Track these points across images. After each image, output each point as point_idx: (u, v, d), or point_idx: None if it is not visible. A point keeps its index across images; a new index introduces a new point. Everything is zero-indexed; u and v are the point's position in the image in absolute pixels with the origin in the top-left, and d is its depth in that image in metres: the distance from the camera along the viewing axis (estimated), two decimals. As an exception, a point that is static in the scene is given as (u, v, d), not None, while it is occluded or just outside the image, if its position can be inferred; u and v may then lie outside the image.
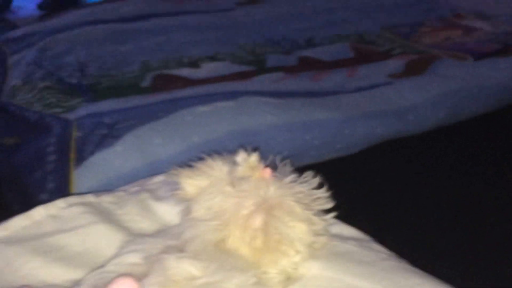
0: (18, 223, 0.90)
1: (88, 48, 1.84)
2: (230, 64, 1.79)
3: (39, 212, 0.92)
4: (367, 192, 1.51)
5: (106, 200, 1.03)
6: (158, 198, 1.02)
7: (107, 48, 1.85)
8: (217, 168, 0.86)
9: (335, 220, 1.04)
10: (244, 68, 1.76)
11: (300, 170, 0.95)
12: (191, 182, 0.86)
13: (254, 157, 0.89)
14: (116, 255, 0.85)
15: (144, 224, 0.99)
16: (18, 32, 2.04)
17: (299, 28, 2.15)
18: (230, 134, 1.36)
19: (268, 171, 0.88)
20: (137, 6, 2.26)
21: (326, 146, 1.48)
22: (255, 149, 0.90)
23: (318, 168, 1.43)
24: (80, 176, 1.15)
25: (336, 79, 1.72)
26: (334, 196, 0.84)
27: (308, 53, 1.94)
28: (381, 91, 1.66)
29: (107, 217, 0.97)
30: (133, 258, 0.83)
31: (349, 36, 2.10)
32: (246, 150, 0.91)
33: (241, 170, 0.86)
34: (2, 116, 1.49)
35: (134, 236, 0.91)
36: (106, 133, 1.22)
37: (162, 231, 0.91)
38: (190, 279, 0.73)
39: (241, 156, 0.88)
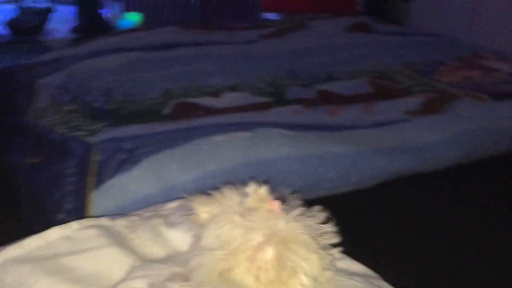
0: (33, 243, 0.93)
1: (114, 74, 1.90)
2: (249, 95, 1.83)
3: (54, 233, 0.95)
4: (379, 226, 1.51)
5: (119, 223, 1.06)
6: (170, 224, 1.05)
7: (132, 75, 1.91)
8: (229, 197, 0.89)
9: (343, 255, 1.04)
10: (263, 99, 1.79)
11: (312, 203, 0.96)
12: (205, 209, 0.89)
13: (263, 189, 0.91)
14: (122, 280, 0.87)
15: (154, 249, 1.02)
16: (48, 56, 2.13)
17: (319, 62, 2.19)
18: (245, 164, 1.39)
19: (276, 204, 0.90)
20: (163, 35, 2.34)
21: (340, 179, 1.49)
22: (266, 181, 0.92)
23: (331, 200, 1.46)
24: (97, 199, 1.19)
25: (353, 113, 1.75)
26: (345, 229, 0.86)
27: (327, 86, 1.97)
28: (398, 127, 1.68)
29: (119, 240, 1.00)
30: (138, 284, 0.85)
31: (368, 72, 2.12)
32: (257, 181, 0.93)
33: (250, 201, 0.88)
34: (27, 137, 1.54)
35: (143, 262, 0.93)
36: (125, 158, 1.26)
37: (171, 258, 0.93)
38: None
39: (251, 188, 0.90)
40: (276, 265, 0.78)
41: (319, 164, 1.48)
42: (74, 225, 0.98)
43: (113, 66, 1.97)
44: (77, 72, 1.90)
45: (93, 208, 1.17)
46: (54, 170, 1.27)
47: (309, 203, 0.87)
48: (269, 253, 0.79)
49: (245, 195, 0.91)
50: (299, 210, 0.87)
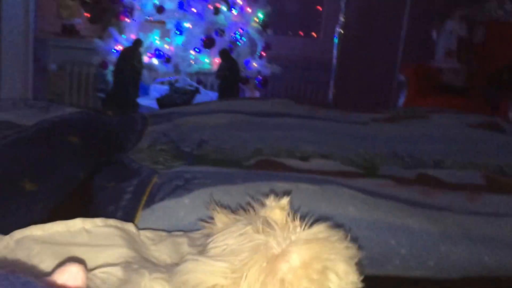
0: (55, 227, 0.95)
1: (214, 129, 1.98)
2: (339, 163, 1.75)
3: (76, 223, 0.97)
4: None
5: (145, 234, 1.04)
6: (194, 245, 1.00)
7: (230, 132, 1.96)
8: (250, 211, 0.83)
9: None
10: (352, 169, 1.70)
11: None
12: (223, 219, 0.85)
13: (284, 201, 0.85)
14: (109, 265, 0.83)
15: (168, 262, 0.97)
16: (165, 110, 2.31)
17: (429, 150, 2.03)
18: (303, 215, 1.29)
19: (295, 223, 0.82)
20: (274, 105, 2.40)
21: (415, 259, 1.30)
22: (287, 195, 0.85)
23: (403, 283, 1.29)
24: (144, 217, 1.19)
25: (451, 199, 1.55)
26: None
27: (431, 172, 1.80)
28: (503, 220, 1.44)
29: (136, 247, 0.98)
30: (114, 269, 0.81)
31: (484, 165, 1.90)
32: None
33: (268, 211, 0.82)
34: (116, 167, 1.65)
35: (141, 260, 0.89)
36: (181, 185, 1.26)
37: (169, 265, 0.87)
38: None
39: (271, 199, 0.84)
40: (306, 272, 0.70)
41: (390, 235, 1.32)
42: (98, 221, 0.99)
43: (215, 123, 2.05)
44: (182, 124, 2.01)
45: (138, 225, 1.17)
46: (118, 188, 1.31)
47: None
48: (294, 259, 0.71)
49: (266, 207, 0.86)
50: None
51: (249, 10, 4.44)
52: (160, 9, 4.07)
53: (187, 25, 4.16)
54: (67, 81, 3.81)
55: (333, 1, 5.24)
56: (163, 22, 4.21)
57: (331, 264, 0.74)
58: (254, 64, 4.50)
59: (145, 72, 4.02)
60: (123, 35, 4.12)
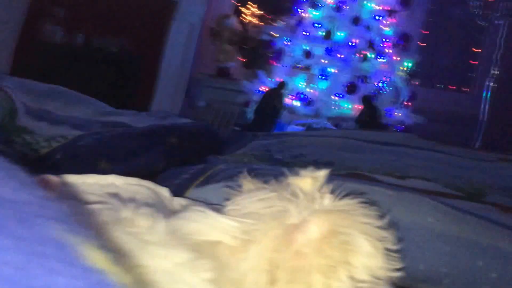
0: (86, 178, 0.98)
1: (318, 148, 1.95)
2: (440, 186, 1.58)
3: (108, 178, 0.99)
4: None
5: (179, 201, 1.03)
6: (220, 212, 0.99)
7: (332, 151, 1.92)
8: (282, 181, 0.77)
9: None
10: (453, 192, 1.52)
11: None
12: (249, 185, 0.81)
13: (322, 172, 0.78)
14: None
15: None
16: (281, 132, 2.35)
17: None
18: None
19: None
20: (394, 136, 2.29)
21: (509, 286, 1.10)
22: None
23: None
24: (193, 195, 1.21)
25: None
26: None
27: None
28: None
29: (161, 207, 0.97)
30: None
31: None
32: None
33: (298, 180, 0.76)
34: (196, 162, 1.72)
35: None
36: (239, 172, 1.26)
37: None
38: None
39: (307, 170, 0.78)
40: (323, 246, 0.64)
41: (478, 256, 1.14)
42: (131, 180, 1.00)
43: (323, 144, 2.03)
44: (287, 141, 2.03)
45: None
46: (181, 170, 1.37)
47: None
48: (312, 231, 0.65)
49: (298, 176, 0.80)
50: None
51: (396, 58, 4.37)
52: (308, 54, 4.22)
53: (332, 70, 4.23)
54: (211, 116, 4.12)
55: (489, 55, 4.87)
56: (309, 68, 4.35)
57: (352, 240, 0.66)
58: (397, 113, 4.36)
59: (285, 113, 4.15)
60: (270, 78, 4.35)
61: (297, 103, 4.26)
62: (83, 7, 4.15)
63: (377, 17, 4.35)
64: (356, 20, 4.24)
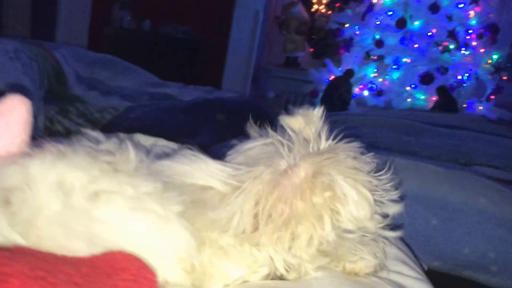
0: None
1: (374, 130, 1.84)
2: (506, 173, 1.41)
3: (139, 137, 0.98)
4: None
5: None
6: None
7: (391, 134, 1.80)
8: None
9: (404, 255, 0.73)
10: (518, 178, 1.35)
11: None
12: (254, 133, 0.76)
13: (317, 111, 0.73)
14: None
15: None
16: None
17: None
18: (423, 196, 1.08)
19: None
20: (457, 118, 2.12)
21: None
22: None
23: None
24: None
25: None
26: None
27: None
28: None
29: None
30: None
31: None
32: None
33: (292, 120, 0.71)
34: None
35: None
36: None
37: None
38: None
39: (303, 109, 0.72)
40: (304, 192, 0.61)
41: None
42: (161, 141, 0.99)
43: (380, 125, 1.91)
44: (339, 121, 1.93)
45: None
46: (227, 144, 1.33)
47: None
48: (299, 174, 0.63)
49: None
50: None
51: (482, 50, 4.05)
52: (379, 43, 4.04)
53: (405, 60, 4.02)
54: (280, 107, 4.04)
55: None
56: (381, 57, 4.16)
57: (336, 184, 0.62)
58: (479, 106, 4.06)
59: (353, 103, 4.01)
60: (339, 68, 4.21)
61: (366, 93, 4.10)
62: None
63: (459, 5, 4.06)
64: (434, 8, 3.98)
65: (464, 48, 4.06)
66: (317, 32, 4.52)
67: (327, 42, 4.47)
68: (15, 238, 0.55)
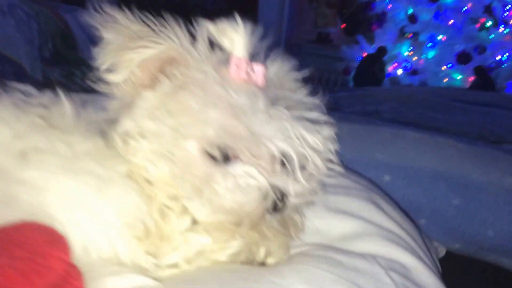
0: None
1: (399, 105, 1.76)
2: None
3: None
4: None
5: None
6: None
7: (417, 110, 1.71)
8: None
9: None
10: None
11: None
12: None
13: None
14: None
15: None
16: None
17: None
18: (443, 173, 1.02)
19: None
20: (490, 96, 2.01)
21: None
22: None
23: None
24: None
25: None
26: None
27: None
28: None
29: None
30: None
31: None
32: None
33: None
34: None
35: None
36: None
37: None
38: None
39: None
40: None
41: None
42: None
43: (406, 101, 1.83)
44: (363, 95, 1.87)
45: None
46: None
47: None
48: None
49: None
50: None
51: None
52: (413, 18, 3.89)
53: (441, 37, 3.86)
54: (313, 86, 3.92)
55: None
56: (416, 34, 4.00)
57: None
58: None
59: (386, 82, 3.89)
60: (372, 45, 4.08)
61: (400, 72, 3.96)
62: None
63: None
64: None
65: (503, 26, 3.86)
66: (348, 5, 4.36)
67: (359, 17, 4.32)
68: None
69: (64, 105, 0.59)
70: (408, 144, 1.08)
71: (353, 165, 1.05)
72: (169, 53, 0.63)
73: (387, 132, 1.15)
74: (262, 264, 0.65)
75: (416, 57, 3.95)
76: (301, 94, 0.72)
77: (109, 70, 0.62)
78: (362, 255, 0.69)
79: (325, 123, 0.69)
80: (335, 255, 0.68)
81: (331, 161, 0.72)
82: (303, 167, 0.67)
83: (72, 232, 0.51)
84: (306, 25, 4.53)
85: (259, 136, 0.62)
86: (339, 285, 0.61)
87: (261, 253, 0.64)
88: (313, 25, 4.49)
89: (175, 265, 0.60)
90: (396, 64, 3.97)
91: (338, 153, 0.73)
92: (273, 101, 0.65)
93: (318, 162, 0.68)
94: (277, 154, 0.64)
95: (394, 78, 3.94)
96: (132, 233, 0.55)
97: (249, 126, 0.61)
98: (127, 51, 0.61)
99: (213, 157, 0.61)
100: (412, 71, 3.90)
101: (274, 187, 0.63)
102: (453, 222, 1.03)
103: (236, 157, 0.62)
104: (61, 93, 0.60)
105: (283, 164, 0.65)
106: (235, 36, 0.66)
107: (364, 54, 4.01)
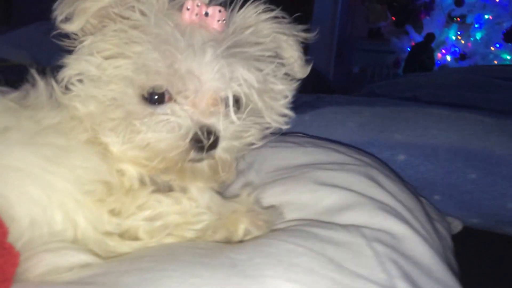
0: None
1: (435, 89, 1.80)
2: None
3: None
4: None
5: None
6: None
7: (452, 91, 1.71)
8: None
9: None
10: None
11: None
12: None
13: None
14: None
15: None
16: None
17: None
18: (461, 148, 1.06)
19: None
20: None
21: None
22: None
23: None
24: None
25: None
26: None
27: None
28: None
29: None
30: None
31: None
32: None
33: None
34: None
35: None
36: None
37: None
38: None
39: None
40: None
41: None
42: None
43: (442, 83, 1.86)
44: (400, 83, 1.89)
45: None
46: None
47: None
48: None
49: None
50: None
51: None
52: (459, 1, 3.76)
53: (488, 17, 3.70)
54: (366, 82, 3.88)
55: None
56: (463, 17, 3.86)
57: None
58: None
59: (436, 70, 3.77)
60: (420, 33, 3.98)
61: (449, 58, 3.83)
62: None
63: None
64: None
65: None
66: (398, -2, 4.28)
67: (408, 8, 4.22)
68: None
69: (39, 86, 0.64)
70: (431, 121, 1.09)
71: (368, 147, 1.05)
72: None
73: (410, 111, 1.16)
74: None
75: (464, 41, 3.82)
76: (265, 37, 0.71)
77: (66, 20, 0.65)
78: (345, 227, 0.68)
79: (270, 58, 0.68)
80: (312, 229, 0.67)
81: (278, 100, 0.71)
82: (242, 107, 0.68)
83: (19, 207, 0.54)
84: (357, 22, 4.48)
85: (189, 74, 0.63)
86: (305, 257, 0.60)
87: (239, 232, 0.66)
88: (364, 21, 4.44)
89: (136, 237, 0.62)
90: (444, 50, 3.85)
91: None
92: (226, 43, 0.65)
93: (258, 101, 0.67)
94: (210, 92, 0.64)
95: (443, 66, 3.83)
96: (92, 198, 0.59)
97: (181, 64, 0.62)
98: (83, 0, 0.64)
99: (146, 99, 0.64)
100: (460, 56, 3.77)
101: (201, 126, 0.63)
102: (470, 196, 1.01)
103: (171, 100, 0.64)
104: (36, 75, 0.65)
105: (226, 105, 0.66)
106: None
107: (412, 44, 3.91)
